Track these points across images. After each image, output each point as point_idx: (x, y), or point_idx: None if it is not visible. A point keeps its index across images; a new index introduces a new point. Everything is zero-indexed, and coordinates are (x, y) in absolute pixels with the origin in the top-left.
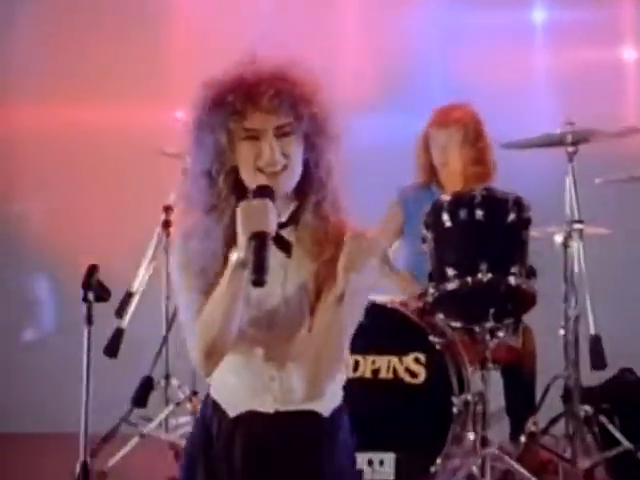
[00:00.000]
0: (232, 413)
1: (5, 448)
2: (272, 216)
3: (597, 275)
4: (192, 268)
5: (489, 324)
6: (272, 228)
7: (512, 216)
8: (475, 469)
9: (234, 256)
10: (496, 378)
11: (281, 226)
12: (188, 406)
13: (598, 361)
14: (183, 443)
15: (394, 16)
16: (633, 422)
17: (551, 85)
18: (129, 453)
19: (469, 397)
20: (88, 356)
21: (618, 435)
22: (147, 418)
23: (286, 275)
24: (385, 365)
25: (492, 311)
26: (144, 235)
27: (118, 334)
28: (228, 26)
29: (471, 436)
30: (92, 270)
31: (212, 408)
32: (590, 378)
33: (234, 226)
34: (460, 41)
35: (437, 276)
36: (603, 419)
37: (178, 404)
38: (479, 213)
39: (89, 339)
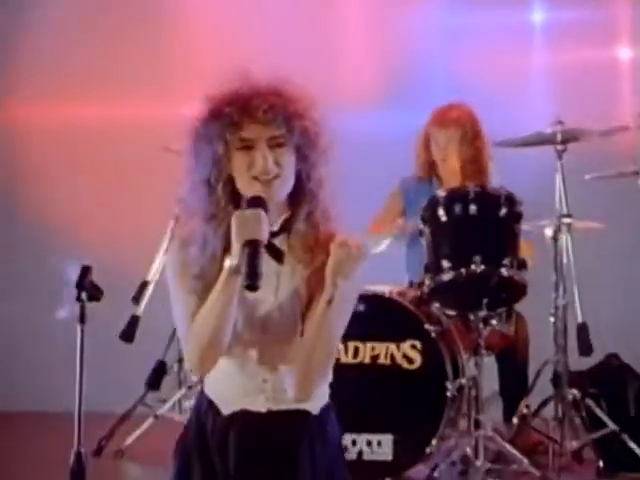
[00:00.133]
0: (226, 411)
1: (41, 426)
2: (264, 225)
3: (586, 266)
4: (189, 272)
5: (482, 313)
6: (264, 236)
7: (504, 211)
8: (469, 450)
9: (228, 262)
10: (491, 364)
11: (274, 234)
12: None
13: (585, 348)
14: None
15: (396, 16)
16: (618, 405)
17: (549, 83)
18: (144, 433)
19: (463, 382)
20: (81, 354)
21: (604, 418)
22: (162, 400)
23: (279, 281)
24: (383, 351)
25: (485, 301)
26: (157, 227)
27: (134, 321)
28: (232, 24)
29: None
30: (85, 271)
31: (207, 404)
32: (578, 363)
33: (230, 234)
34: (460, 40)
35: (433, 267)
36: (590, 402)
37: (190, 387)
38: (473, 208)
39: (82, 338)
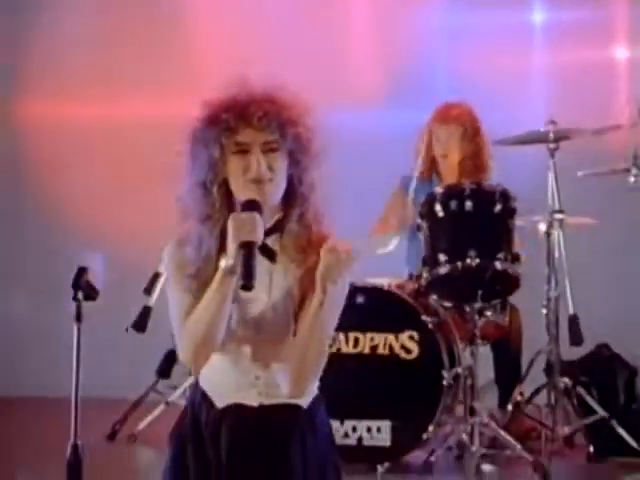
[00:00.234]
0: (220, 404)
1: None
2: (260, 228)
3: (577, 260)
4: (185, 271)
5: (478, 304)
6: (259, 239)
7: (498, 207)
8: (464, 436)
9: (223, 263)
10: (486, 353)
11: (266, 234)
12: None
13: (576, 338)
14: None
15: (398, 16)
16: (608, 393)
17: (549, 83)
18: (156, 418)
19: (459, 371)
20: (78, 351)
21: (594, 405)
22: (172, 387)
23: (271, 280)
24: (382, 342)
25: (480, 293)
26: (170, 220)
27: (146, 311)
28: (234, 23)
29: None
30: (81, 272)
31: (200, 397)
32: (570, 353)
33: (225, 234)
34: (461, 40)
35: (430, 261)
36: (581, 390)
37: None
38: (468, 204)
39: (78, 336)
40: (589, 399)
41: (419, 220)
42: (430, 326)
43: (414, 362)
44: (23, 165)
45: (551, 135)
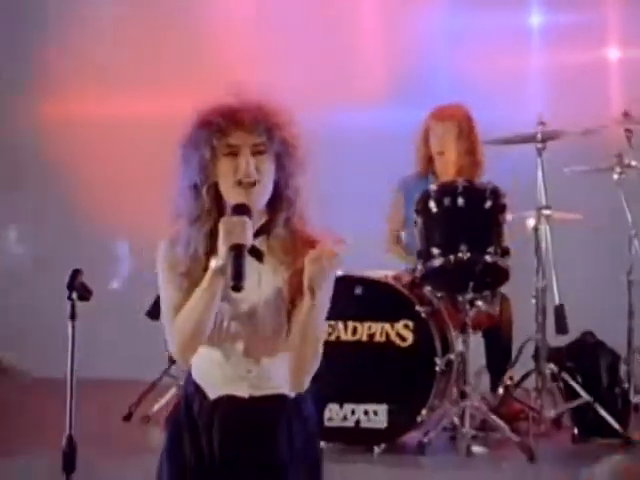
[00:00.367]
0: (212, 395)
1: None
2: (249, 231)
3: (564, 253)
4: (176, 270)
5: (469, 295)
6: (249, 241)
7: (489, 203)
8: (456, 418)
9: (214, 263)
10: (480, 341)
11: (253, 236)
12: None
13: (561, 327)
14: None
15: (401, 19)
16: (592, 378)
17: (546, 82)
18: (169, 401)
19: (452, 357)
20: (72, 348)
21: (579, 389)
22: (184, 371)
23: (261, 279)
24: (379, 330)
25: (471, 284)
26: None
27: (160, 300)
28: (246, 23)
29: (454, 390)
30: (75, 274)
31: (193, 388)
32: (558, 340)
33: (214, 235)
34: (462, 42)
35: (425, 254)
36: (566, 376)
37: None
38: (461, 201)
39: (73, 333)
40: (574, 384)
41: (414, 216)
42: (424, 315)
43: (409, 349)
44: (49, 160)
45: (539, 136)
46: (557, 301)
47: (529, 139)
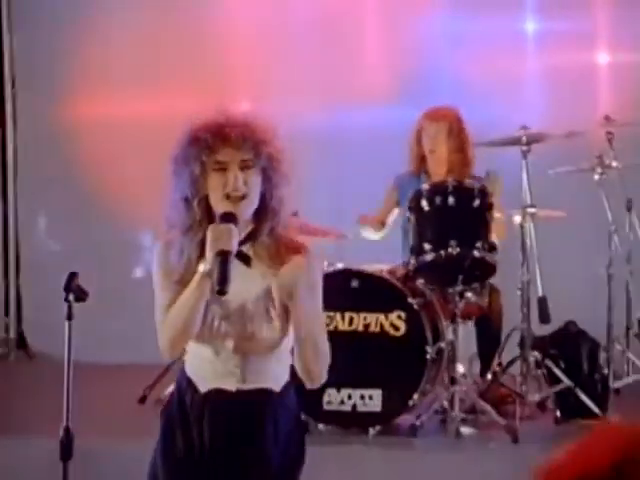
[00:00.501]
0: (202, 389)
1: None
2: (235, 238)
3: (547, 248)
4: (170, 278)
5: (458, 288)
6: (234, 248)
7: (477, 202)
8: (446, 402)
9: (202, 267)
10: (472, 330)
11: (240, 243)
12: None
13: (543, 317)
14: None
15: (403, 23)
16: (574, 365)
17: (542, 85)
18: None
19: (443, 345)
20: (69, 348)
21: (561, 375)
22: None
23: (249, 282)
24: (374, 321)
25: (461, 277)
26: None
27: None
28: (252, 25)
29: (445, 376)
30: (72, 277)
31: (186, 382)
32: (543, 329)
33: (204, 243)
34: (462, 45)
35: (417, 250)
36: (549, 362)
37: None
38: (451, 199)
39: (69, 333)
40: (557, 370)
41: (407, 213)
42: (416, 307)
43: (402, 338)
44: (81, 161)
45: (524, 139)
46: (540, 293)
47: (515, 142)
